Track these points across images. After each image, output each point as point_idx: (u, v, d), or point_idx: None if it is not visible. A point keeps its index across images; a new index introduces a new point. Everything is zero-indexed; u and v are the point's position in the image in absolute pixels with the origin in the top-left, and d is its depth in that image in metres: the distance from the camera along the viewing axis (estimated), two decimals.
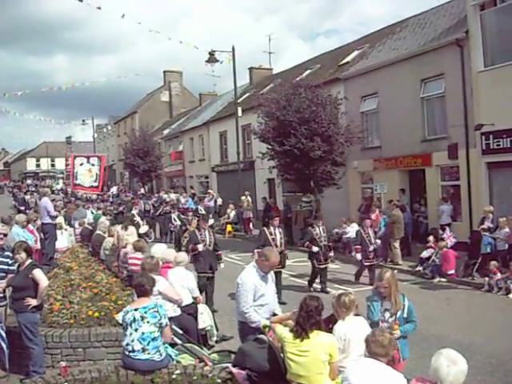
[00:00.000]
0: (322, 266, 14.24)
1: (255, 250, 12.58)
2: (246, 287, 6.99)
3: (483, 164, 18.37)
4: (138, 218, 21.76)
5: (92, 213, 21.86)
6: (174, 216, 23.44)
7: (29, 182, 76.35)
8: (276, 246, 12.64)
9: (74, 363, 7.84)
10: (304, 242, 14.65)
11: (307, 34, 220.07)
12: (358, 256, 14.86)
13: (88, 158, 27.63)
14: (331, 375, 5.39)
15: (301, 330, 5.41)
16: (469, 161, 18.88)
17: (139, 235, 19.41)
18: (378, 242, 15.56)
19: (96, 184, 26.88)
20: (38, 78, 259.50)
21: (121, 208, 27.65)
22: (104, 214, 21.45)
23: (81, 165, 26.70)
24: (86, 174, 26.53)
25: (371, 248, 14.92)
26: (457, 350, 4.37)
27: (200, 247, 12.45)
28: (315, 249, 14.00)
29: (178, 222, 22.77)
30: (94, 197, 35.66)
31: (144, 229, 21.38)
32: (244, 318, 6.98)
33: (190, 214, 22.25)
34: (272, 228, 13.22)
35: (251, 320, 6.89)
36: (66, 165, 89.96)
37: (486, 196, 18.25)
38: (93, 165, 26.60)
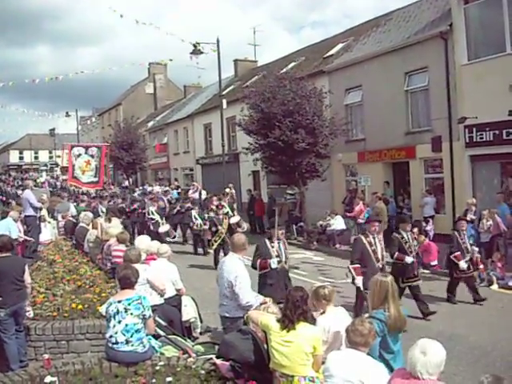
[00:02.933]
0: (414, 284, 11.22)
1: (350, 266, 10.13)
2: (246, 279, 7.17)
3: (466, 157, 18.52)
4: (156, 216, 20.16)
5: (102, 211, 19.49)
6: (194, 213, 19.92)
7: (13, 174, 75.47)
8: (377, 260, 10.18)
9: (58, 356, 7.78)
10: (392, 252, 11.19)
11: (292, 26, 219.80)
12: (462, 264, 11.93)
13: (86, 148, 24.28)
14: (315, 367, 5.41)
15: (288, 321, 5.41)
16: (452, 153, 19.01)
17: (158, 235, 18.53)
18: (476, 249, 12.74)
19: (96, 179, 23.49)
20: (20, 68, 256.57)
21: (135, 205, 23.26)
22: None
23: (78, 156, 23.49)
24: (84, 166, 23.30)
25: (467, 257, 12.12)
26: (439, 340, 4.39)
27: (273, 263, 9.56)
28: (409, 259, 10.99)
29: (199, 221, 19.43)
30: (92, 191, 31.85)
31: (165, 228, 20.04)
32: (241, 312, 7.03)
33: (221, 212, 17.86)
34: (371, 236, 10.32)
35: (256, 303, 7.01)
36: (50, 157, 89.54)
37: (469, 188, 18.40)
38: (92, 156, 23.45)
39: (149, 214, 20.23)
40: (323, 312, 6.34)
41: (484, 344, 9.15)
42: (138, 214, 22.52)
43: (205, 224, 18.75)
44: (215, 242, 16.82)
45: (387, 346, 5.62)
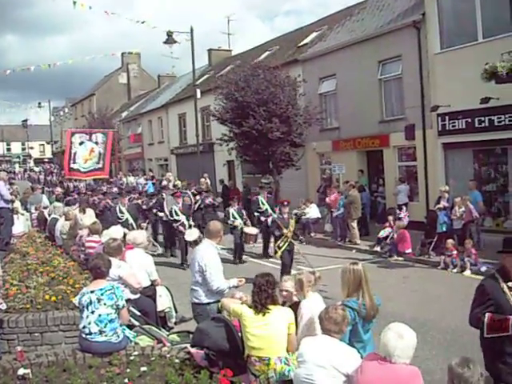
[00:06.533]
0: None
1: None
2: (217, 265, 7.21)
3: (439, 145, 18.69)
4: (182, 217, 16.07)
5: (121, 211, 16.41)
6: (231, 211, 16.45)
7: None
8: None
9: (31, 348, 7.71)
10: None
11: (266, 15, 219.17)
12: None
13: (90, 134, 21.72)
14: (289, 347, 5.58)
15: (260, 306, 5.54)
16: (425, 141, 19.19)
17: (185, 242, 15.29)
18: None
19: (100, 166, 21.32)
20: None
21: (152, 202, 19.09)
22: (57, 199, 19.15)
23: (80, 144, 20.95)
24: (88, 155, 20.98)
25: None
26: (412, 326, 4.44)
27: None
28: None
29: (239, 220, 16.19)
30: (84, 182, 29.62)
31: (193, 234, 14.26)
32: (213, 297, 7.11)
33: (286, 210, 13.61)
34: None
35: (226, 288, 7.21)
36: (23, 149, 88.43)
37: (442, 176, 18.59)
38: (96, 143, 21.17)
39: (172, 216, 16.27)
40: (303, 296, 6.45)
41: (456, 329, 9.25)
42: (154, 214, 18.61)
43: (245, 224, 16.39)
44: (279, 248, 12.99)
45: (357, 335, 5.63)
